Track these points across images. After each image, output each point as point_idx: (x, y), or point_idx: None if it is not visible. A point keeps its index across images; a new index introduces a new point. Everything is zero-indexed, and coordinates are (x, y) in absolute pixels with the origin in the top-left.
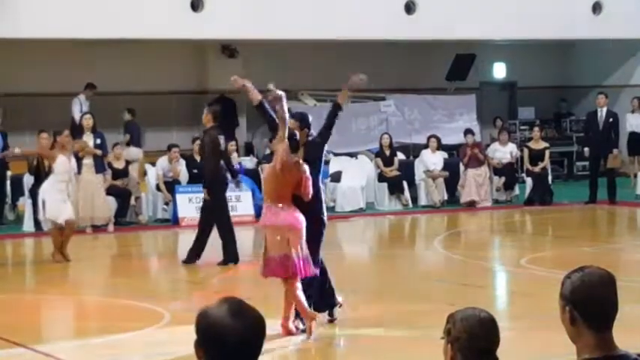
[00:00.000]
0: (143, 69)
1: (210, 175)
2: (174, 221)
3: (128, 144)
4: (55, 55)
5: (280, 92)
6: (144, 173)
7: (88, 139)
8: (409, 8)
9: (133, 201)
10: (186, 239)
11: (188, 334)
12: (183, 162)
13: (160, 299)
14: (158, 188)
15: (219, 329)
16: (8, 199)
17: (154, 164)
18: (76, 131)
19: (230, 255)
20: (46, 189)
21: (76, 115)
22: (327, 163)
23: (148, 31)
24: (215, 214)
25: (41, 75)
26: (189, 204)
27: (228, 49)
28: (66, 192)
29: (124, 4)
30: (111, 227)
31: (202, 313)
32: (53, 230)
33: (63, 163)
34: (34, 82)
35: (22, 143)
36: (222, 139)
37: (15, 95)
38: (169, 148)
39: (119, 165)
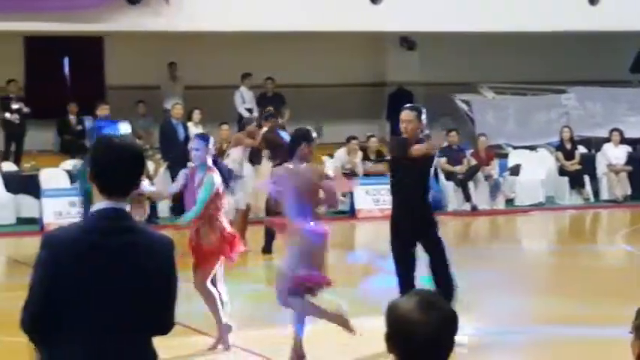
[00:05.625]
0: (322, 61)
1: None
2: (351, 213)
3: None
4: (234, 48)
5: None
6: None
7: None
8: None
9: None
10: (363, 231)
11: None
12: (360, 154)
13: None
14: None
15: (406, 324)
16: None
17: (331, 156)
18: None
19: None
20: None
21: (240, 108)
22: (505, 156)
23: (328, 24)
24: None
25: (220, 67)
26: (367, 196)
27: (407, 41)
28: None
29: None
30: None
31: (392, 305)
32: (237, 216)
33: (237, 153)
34: (214, 75)
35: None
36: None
37: (195, 88)
38: (348, 140)
39: None
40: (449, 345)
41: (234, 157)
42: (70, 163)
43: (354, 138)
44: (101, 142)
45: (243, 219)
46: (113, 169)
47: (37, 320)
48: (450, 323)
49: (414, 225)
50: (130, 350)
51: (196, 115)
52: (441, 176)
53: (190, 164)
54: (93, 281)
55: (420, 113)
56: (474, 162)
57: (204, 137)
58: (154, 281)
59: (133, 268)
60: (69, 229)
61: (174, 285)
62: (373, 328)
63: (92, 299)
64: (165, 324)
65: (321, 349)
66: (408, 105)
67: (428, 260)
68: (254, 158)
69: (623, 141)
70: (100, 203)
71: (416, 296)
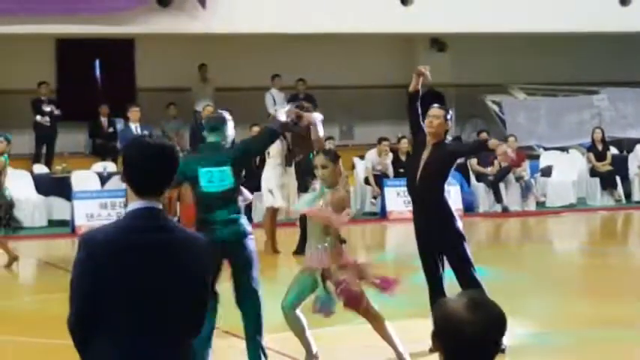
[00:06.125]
0: (352, 63)
1: None
2: (382, 215)
3: None
4: (264, 50)
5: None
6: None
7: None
8: None
9: None
10: (394, 233)
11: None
12: (390, 155)
13: None
14: (366, 181)
15: (454, 322)
16: None
17: (362, 157)
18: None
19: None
20: (268, 177)
21: (271, 110)
22: (537, 157)
23: (359, 26)
24: None
25: (250, 69)
26: (398, 198)
27: (438, 42)
28: (281, 178)
29: None
30: None
31: (441, 304)
32: (267, 216)
33: (277, 146)
34: (245, 77)
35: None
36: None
37: (226, 89)
38: (379, 141)
39: None
40: (495, 345)
41: (275, 152)
42: (101, 165)
43: (385, 139)
44: (132, 143)
45: (272, 220)
46: (144, 169)
47: (81, 320)
48: (497, 324)
49: (431, 228)
50: (164, 351)
51: None
52: (472, 178)
53: None
54: (128, 281)
55: (447, 113)
56: (504, 163)
57: None
58: (188, 280)
59: (168, 267)
60: (104, 229)
61: (208, 285)
62: (399, 330)
63: (128, 299)
64: (198, 324)
65: (344, 350)
66: (436, 104)
67: (455, 277)
68: (287, 159)
69: None
70: (133, 203)
71: (465, 296)
